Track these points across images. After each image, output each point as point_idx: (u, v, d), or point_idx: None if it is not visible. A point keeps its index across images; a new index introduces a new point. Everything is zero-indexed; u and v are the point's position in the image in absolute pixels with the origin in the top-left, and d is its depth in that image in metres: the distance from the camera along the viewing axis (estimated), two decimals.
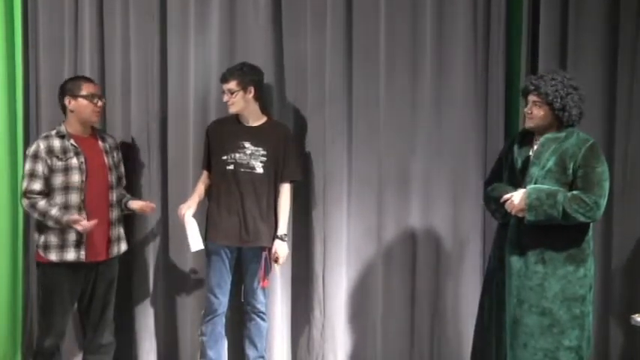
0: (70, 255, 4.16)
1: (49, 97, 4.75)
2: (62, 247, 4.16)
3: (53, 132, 4.23)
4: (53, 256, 4.15)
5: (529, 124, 3.76)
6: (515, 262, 3.72)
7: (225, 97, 4.31)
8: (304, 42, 4.58)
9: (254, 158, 4.32)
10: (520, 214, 3.68)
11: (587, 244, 3.72)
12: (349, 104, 4.57)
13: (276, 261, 4.37)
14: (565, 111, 3.67)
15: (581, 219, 3.61)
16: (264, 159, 4.33)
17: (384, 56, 4.49)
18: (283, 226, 4.38)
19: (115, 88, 4.72)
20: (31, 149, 4.19)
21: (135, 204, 4.40)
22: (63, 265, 4.16)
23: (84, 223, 4.07)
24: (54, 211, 4.08)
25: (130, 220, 4.58)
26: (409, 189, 4.54)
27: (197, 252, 4.45)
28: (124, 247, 4.41)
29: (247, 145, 4.33)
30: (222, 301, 4.41)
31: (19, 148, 4.80)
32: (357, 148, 4.58)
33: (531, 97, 3.73)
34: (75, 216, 4.09)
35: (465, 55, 4.41)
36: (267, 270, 4.39)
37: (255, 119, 4.38)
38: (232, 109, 4.33)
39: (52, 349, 4.28)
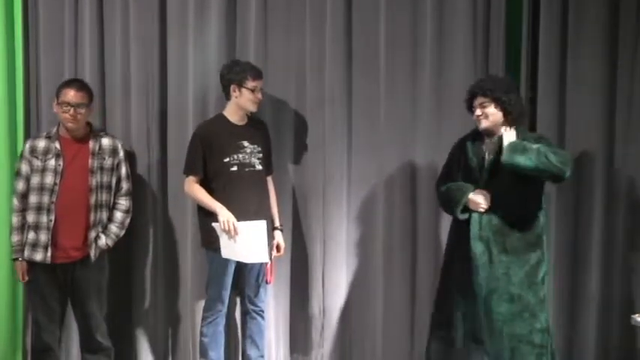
0: (39, 255, 4.21)
1: (49, 96, 4.73)
2: (34, 246, 4.23)
3: (45, 133, 4.34)
4: (26, 254, 4.25)
5: (484, 124, 3.93)
6: (480, 254, 3.90)
7: (260, 95, 4.31)
8: (304, 42, 4.58)
9: (254, 156, 4.32)
10: (481, 209, 3.88)
11: (540, 230, 3.91)
12: (349, 104, 4.58)
13: (278, 250, 4.41)
14: (509, 105, 3.87)
15: (556, 165, 3.76)
16: (260, 155, 4.34)
17: (384, 56, 4.50)
18: (278, 217, 4.46)
19: (115, 88, 4.72)
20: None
21: None
22: (34, 264, 4.23)
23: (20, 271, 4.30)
24: (14, 237, 4.28)
25: (130, 220, 4.55)
26: (409, 189, 4.54)
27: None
28: (103, 242, 4.27)
29: (246, 144, 4.32)
30: (225, 301, 4.38)
31: (19, 148, 4.78)
32: (356, 147, 4.58)
33: (478, 101, 3.93)
34: (22, 265, 4.27)
35: (464, 54, 4.41)
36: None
37: (244, 117, 4.38)
38: (257, 108, 4.34)
39: (45, 346, 4.32)
